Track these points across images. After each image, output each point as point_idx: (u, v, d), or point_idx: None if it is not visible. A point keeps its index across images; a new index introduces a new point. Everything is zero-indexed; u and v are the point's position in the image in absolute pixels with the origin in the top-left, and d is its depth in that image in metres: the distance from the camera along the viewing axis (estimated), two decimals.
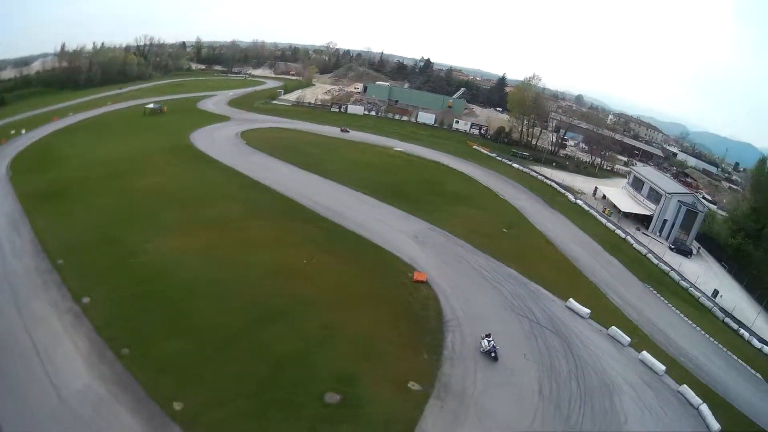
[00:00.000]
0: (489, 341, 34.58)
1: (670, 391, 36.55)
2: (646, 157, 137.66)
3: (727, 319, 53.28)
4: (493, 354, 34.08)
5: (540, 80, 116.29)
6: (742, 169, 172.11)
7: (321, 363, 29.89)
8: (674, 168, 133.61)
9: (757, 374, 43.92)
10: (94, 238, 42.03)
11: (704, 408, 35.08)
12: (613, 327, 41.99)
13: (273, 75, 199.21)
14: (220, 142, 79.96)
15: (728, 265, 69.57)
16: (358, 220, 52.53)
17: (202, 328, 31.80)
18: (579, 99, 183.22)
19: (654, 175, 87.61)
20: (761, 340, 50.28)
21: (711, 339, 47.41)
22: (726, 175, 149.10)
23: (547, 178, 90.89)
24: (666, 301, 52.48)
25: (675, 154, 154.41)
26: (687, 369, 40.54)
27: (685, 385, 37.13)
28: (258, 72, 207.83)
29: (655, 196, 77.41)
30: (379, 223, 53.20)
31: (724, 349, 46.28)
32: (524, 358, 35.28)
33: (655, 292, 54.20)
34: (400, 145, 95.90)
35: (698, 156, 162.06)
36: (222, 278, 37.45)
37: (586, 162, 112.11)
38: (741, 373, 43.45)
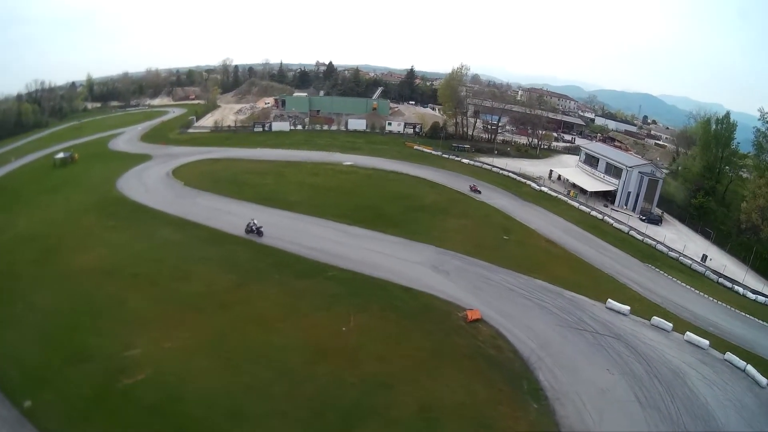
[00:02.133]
0: (255, 225, 53.36)
1: (719, 362, 45.12)
2: (568, 128, 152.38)
3: (720, 280, 64.68)
4: (261, 229, 52.79)
5: (469, 69, 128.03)
6: (651, 121, 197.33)
7: None
8: (598, 134, 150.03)
9: (765, 323, 55.24)
10: (59, 357, 34.90)
11: (750, 368, 44.30)
12: (654, 317, 49.92)
13: (173, 102, 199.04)
14: (153, 186, 75.56)
15: (693, 225, 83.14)
16: (364, 260, 52.46)
17: None
18: (476, 78, 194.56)
19: (606, 149, 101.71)
20: (754, 292, 62.72)
21: (720, 303, 58.16)
22: (647, 131, 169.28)
23: (501, 169, 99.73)
24: (671, 277, 62.57)
25: (593, 120, 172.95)
26: (719, 336, 49.74)
27: (728, 352, 46.10)
28: (156, 101, 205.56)
29: (614, 170, 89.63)
30: (388, 258, 53.83)
31: (733, 309, 57.27)
32: (609, 373, 40.95)
33: (656, 269, 64.24)
34: (346, 158, 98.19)
35: (611, 117, 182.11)
36: (256, 381, 33.15)
37: (525, 145, 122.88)
38: (754, 326, 54.51)
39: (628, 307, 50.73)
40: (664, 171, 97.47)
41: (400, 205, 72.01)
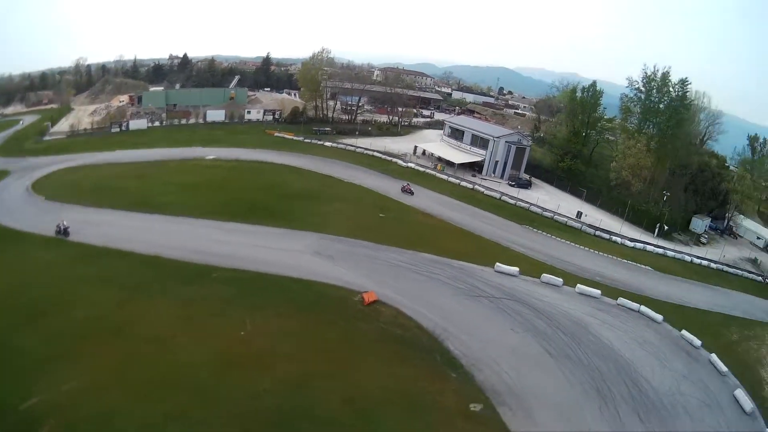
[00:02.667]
0: (63, 225, 54.12)
1: (614, 307, 50.61)
2: (425, 104, 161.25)
3: (598, 233, 72.55)
4: (68, 229, 53.91)
5: (330, 52, 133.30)
6: (508, 92, 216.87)
7: None
8: (456, 108, 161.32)
9: (647, 267, 63.39)
10: None
11: (644, 308, 50.36)
12: (544, 274, 54.10)
13: (26, 109, 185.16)
14: (14, 205, 69.00)
15: (562, 186, 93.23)
16: (247, 256, 52.12)
17: None
18: (330, 61, 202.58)
19: (470, 122, 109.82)
20: (632, 240, 71.67)
21: (601, 254, 65.24)
22: (504, 102, 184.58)
23: (366, 149, 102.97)
24: (550, 235, 68.95)
25: (450, 94, 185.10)
26: (608, 285, 55.58)
27: (620, 297, 51.80)
28: (10, 110, 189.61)
29: (480, 141, 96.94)
30: (271, 251, 53.87)
31: (616, 258, 64.67)
32: (514, 332, 43.39)
33: (535, 230, 70.25)
34: (208, 152, 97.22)
35: (468, 90, 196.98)
36: (174, 407, 31.58)
37: (386, 123, 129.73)
38: (638, 271, 62.02)
39: (517, 268, 54.26)
40: (529, 138, 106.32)
41: (271, 194, 72.65)
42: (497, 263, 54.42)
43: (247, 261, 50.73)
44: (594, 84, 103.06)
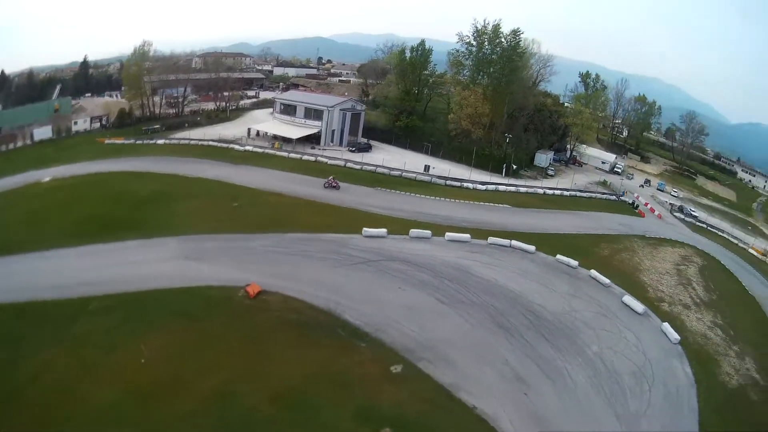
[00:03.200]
0: None
1: (486, 247, 53.99)
2: (248, 84, 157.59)
3: (449, 182, 76.05)
4: None
5: (152, 45, 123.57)
6: (327, 61, 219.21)
7: (328, 420, 30.52)
8: (280, 84, 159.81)
9: (505, 205, 68.15)
10: None
11: (515, 242, 54.13)
12: (412, 230, 55.13)
13: None
14: None
15: (402, 144, 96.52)
16: (116, 277, 46.51)
17: None
18: (145, 55, 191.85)
19: (301, 95, 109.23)
20: (483, 183, 76.46)
21: (458, 201, 68.61)
22: (326, 71, 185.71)
23: (200, 140, 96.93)
24: (404, 193, 70.73)
25: (271, 71, 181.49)
26: (474, 228, 58.29)
27: (490, 237, 55.02)
28: None
29: (314, 113, 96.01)
30: (138, 266, 48.54)
31: (472, 202, 68.58)
32: (403, 290, 43.64)
33: (387, 190, 71.35)
34: (43, 174, 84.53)
35: (288, 64, 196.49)
36: None
37: (215, 110, 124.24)
38: (496, 210, 66.55)
39: (385, 229, 54.63)
40: (360, 103, 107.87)
41: (121, 205, 65.54)
42: (364, 228, 54.35)
43: (118, 283, 45.32)
44: (423, 43, 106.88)
